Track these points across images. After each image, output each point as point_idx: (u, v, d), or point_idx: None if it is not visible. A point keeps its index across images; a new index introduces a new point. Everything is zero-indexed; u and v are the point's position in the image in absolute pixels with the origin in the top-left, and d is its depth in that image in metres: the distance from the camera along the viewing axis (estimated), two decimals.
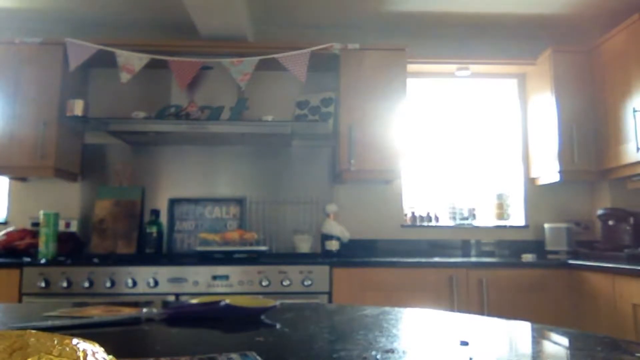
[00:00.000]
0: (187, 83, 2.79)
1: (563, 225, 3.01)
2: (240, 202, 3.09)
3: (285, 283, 2.43)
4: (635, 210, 2.87)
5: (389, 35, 3.31)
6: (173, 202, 3.06)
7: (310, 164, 3.17)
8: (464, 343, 0.68)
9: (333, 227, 2.93)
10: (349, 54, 2.92)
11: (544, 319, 2.48)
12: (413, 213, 3.21)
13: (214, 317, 0.88)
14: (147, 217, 2.97)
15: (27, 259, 2.46)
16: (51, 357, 0.37)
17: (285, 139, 2.96)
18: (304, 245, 2.94)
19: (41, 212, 2.63)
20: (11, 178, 3.03)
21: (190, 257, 2.66)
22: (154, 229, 2.89)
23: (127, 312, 0.90)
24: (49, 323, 0.78)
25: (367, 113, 2.87)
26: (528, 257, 2.75)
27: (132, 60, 2.79)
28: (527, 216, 3.25)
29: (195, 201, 3.07)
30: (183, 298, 2.37)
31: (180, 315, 0.89)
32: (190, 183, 3.11)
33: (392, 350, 0.64)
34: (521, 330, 0.82)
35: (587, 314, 2.45)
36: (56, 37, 2.91)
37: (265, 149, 3.18)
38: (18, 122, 2.75)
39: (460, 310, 2.44)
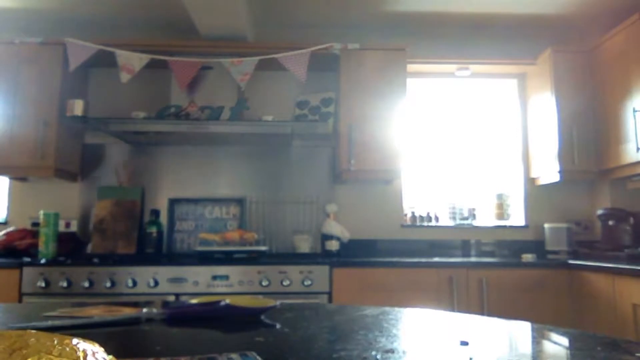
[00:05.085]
0: (187, 83, 2.79)
1: (563, 225, 3.00)
2: (240, 202, 3.09)
3: (285, 283, 2.43)
4: (635, 210, 2.87)
5: (389, 35, 3.31)
6: (173, 202, 3.06)
7: (310, 164, 3.17)
8: (464, 343, 0.68)
9: (333, 227, 2.93)
10: (349, 54, 2.92)
11: (544, 319, 2.48)
12: (413, 213, 3.21)
13: (214, 317, 0.88)
14: (147, 217, 2.97)
15: (27, 259, 2.46)
16: (51, 357, 0.37)
17: (286, 139, 2.96)
18: (304, 245, 2.94)
19: (41, 212, 2.63)
20: (11, 178, 3.03)
21: (190, 257, 2.66)
22: (154, 229, 2.89)
23: (127, 312, 0.90)
24: (49, 323, 0.78)
25: (367, 113, 2.87)
26: (528, 257, 2.75)
27: (132, 60, 2.79)
28: (527, 216, 3.25)
29: (195, 201, 3.07)
30: (183, 298, 2.37)
31: (180, 315, 0.89)
32: (190, 183, 3.11)
33: (392, 350, 0.64)
34: (521, 330, 0.82)
35: (587, 314, 2.45)
36: (56, 37, 2.91)
37: (265, 149, 3.18)
38: (18, 122, 2.75)
39: (460, 310, 2.44)
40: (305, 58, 2.83)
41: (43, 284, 2.34)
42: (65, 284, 2.34)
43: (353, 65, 2.91)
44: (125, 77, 2.78)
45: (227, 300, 0.88)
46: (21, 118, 2.76)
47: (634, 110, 2.56)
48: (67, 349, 0.38)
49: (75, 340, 0.40)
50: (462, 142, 3.36)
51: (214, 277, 2.42)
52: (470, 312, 2.32)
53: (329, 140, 3.20)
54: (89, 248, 2.89)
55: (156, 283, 2.39)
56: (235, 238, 2.67)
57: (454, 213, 3.24)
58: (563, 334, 0.77)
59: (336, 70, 3.02)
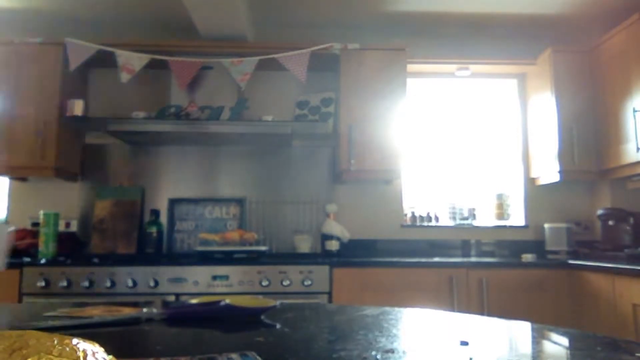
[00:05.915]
0: (187, 83, 2.79)
1: (563, 225, 3.00)
2: (240, 202, 3.09)
3: (285, 283, 2.43)
4: (635, 210, 2.87)
5: (389, 35, 3.31)
6: (173, 202, 3.06)
7: (310, 164, 3.17)
8: (464, 343, 0.68)
9: (333, 227, 2.93)
10: (349, 54, 2.92)
11: (544, 319, 2.48)
12: (413, 213, 3.21)
13: (214, 317, 0.88)
14: (147, 217, 2.97)
15: (27, 259, 2.46)
16: (51, 357, 0.37)
17: (286, 139, 2.96)
18: (304, 245, 2.94)
19: (41, 212, 2.63)
20: (11, 178, 3.02)
21: (190, 257, 2.66)
22: (154, 229, 2.89)
23: (127, 312, 0.90)
24: (49, 323, 0.78)
25: (367, 113, 2.87)
26: (528, 257, 2.75)
27: (132, 60, 2.79)
28: (527, 216, 3.24)
29: (195, 201, 3.07)
30: (183, 298, 2.37)
31: (180, 315, 0.89)
32: (190, 183, 3.11)
33: (392, 350, 0.64)
34: (521, 330, 0.82)
35: (587, 314, 2.45)
36: (56, 37, 2.90)
37: (265, 149, 3.18)
38: (18, 122, 2.75)
39: (460, 310, 2.44)
40: (305, 58, 2.83)
41: (43, 284, 2.34)
42: (65, 284, 2.34)
43: (353, 65, 2.91)
44: (125, 77, 2.78)
45: (227, 300, 0.88)
46: (21, 118, 2.76)
47: (634, 110, 2.56)
48: (67, 349, 0.38)
49: (75, 340, 0.40)
50: (462, 142, 3.36)
51: (214, 277, 2.42)
52: (470, 312, 2.32)
53: (329, 140, 3.20)
54: (89, 248, 2.89)
55: (156, 283, 2.39)
56: (235, 238, 2.67)
57: (454, 213, 3.24)
58: (563, 334, 0.77)
59: (336, 70, 3.02)
